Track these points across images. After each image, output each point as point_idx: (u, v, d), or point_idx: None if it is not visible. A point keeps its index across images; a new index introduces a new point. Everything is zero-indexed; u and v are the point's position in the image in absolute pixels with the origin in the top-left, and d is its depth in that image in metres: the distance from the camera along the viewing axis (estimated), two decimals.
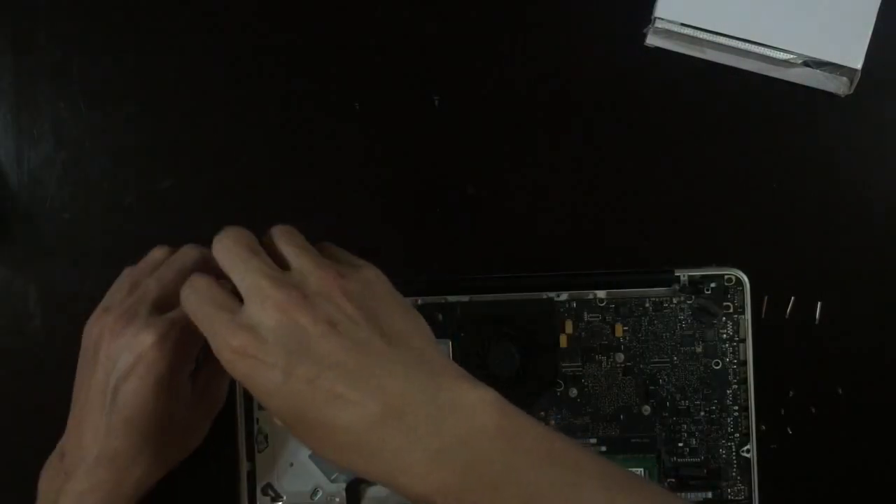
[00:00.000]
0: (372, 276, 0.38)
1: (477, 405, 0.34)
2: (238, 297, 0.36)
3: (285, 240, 0.39)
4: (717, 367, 0.48)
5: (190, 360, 0.42)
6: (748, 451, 0.48)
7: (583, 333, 0.48)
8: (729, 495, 0.48)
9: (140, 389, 0.40)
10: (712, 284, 0.48)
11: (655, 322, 0.48)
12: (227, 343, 0.35)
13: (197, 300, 0.37)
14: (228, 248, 0.37)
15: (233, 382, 0.47)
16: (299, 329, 0.34)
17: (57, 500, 0.40)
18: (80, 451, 0.41)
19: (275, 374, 0.34)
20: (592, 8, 0.49)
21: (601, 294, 0.48)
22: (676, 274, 0.48)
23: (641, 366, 0.48)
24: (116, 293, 0.43)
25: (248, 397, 0.48)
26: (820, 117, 0.49)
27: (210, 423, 0.45)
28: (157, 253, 0.45)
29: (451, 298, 0.48)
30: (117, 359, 0.40)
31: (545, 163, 0.49)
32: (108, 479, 0.40)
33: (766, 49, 0.47)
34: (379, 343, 0.35)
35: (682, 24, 0.47)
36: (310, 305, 0.35)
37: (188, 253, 0.43)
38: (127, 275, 0.45)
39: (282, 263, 0.38)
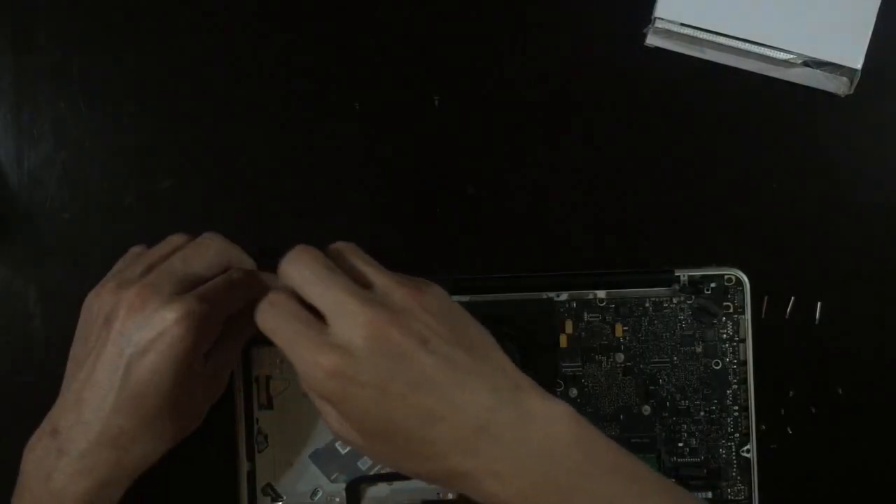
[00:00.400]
0: (441, 292, 0.39)
1: (555, 416, 0.36)
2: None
3: (359, 257, 0.39)
4: (717, 367, 0.48)
5: (208, 343, 0.41)
6: (748, 451, 0.48)
7: (583, 333, 0.48)
8: (729, 495, 0.48)
9: (157, 367, 0.39)
10: (712, 284, 0.48)
11: (655, 322, 0.48)
12: (317, 363, 0.35)
13: (279, 317, 0.36)
14: (306, 266, 0.37)
15: (232, 374, 0.47)
16: (392, 346, 0.35)
17: (49, 478, 0.39)
18: (79, 427, 0.40)
19: (369, 393, 0.34)
20: (592, 8, 0.49)
21: (601, 294, 0.48)
22: (676, 274, 0.48)
23: (641, 366, 0.48)
24: (128, 270, 0.42)
25: (248, 397, 0.48)
26: (820, 117, 0.49)
27: (208, 408, 0.44)
28: (177, 239, 0.44)
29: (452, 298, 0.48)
30: (133, 334, 0.39)
31: (545, 163, 0.49)
32: (108, 459, 0.40)
33: (766, 49, 0.47)
34: (464, 357, 0.36)
35: (682, 24, 0.47)
36: (400, 322, 0.35)
37: (213, 242, 0.43)
38: (138, 253, 0.44)
39: (356, 278, 0.37)
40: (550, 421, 0.36)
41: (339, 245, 0.40)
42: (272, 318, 0.37)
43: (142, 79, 0.50)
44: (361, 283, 0.37)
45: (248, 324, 0.39)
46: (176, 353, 0.39)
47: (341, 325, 0.35)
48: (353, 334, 0.35)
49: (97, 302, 0.41)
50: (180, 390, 0.40)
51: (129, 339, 0.39)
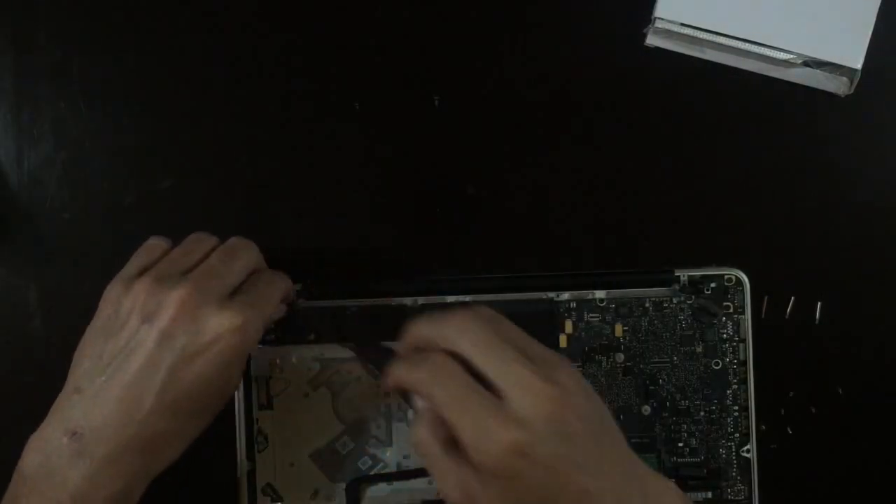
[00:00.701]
0: (577, 373, 0.38)
1: (665, 493, 0.38)
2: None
3: (514, 329, 0.38)
4: (717, 367, 0.48)
5: (251, 351, 0.41)
6: (748, 451, 0.48)
7: (583, 333, 0.48)
8: (729, 495, 0.48)
9: (205, 373, 0.38)
10: (712, 284, 0.48)
11: (655, 322, 0.48)
12: (498, 437, 0.34)
13: (456, 388, 0.35)
14: (480, 331, 0.36)
15: None
16: (566, 425, 0.34)
17: (66, 482, 0.38)
18: (107, 430, 0.38)
19: (540, 471, 0.34)
20: (592, 8, 0.49)
21: (601, 294, 0.48)
22: (676, 274, 0.48)
23: (641, 366, 0.48)
24: (162, 267, 0.41)
25: (248, 397, 0.48)
26: (820, 117, 0.49)
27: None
28: (206, 238, 0.43)
29: (451, 298, 0.48)
30: (181, 337, 0.38)
31: (545, 163, 0.49)
32: (137, 463, 0.39)
33: (766, 49, 0.47)
34: (606, 438, 0.37)
35: (682, 24, 0.47)
36: (572, 401, 0.35)
37: (248, 245, 0.43)
38: (158, 247, 0.43)
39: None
40: (664, 497, 0.38)
41: (488, 312, 0.38)
42: (445, 384, 0.35)
43: (142, 79, 0.50)
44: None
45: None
46: (227, 360, 0.39)
47: (521, 401, 0.34)
48: (536, 411, 0.34)
49: (128, 296, 0.40)
50: (220, 395, 0.40)
51: (176, 342, 0.38)
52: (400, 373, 0.37)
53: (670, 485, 0.38)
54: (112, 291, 0.41)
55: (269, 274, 0.43)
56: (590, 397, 0.37)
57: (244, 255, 0.42)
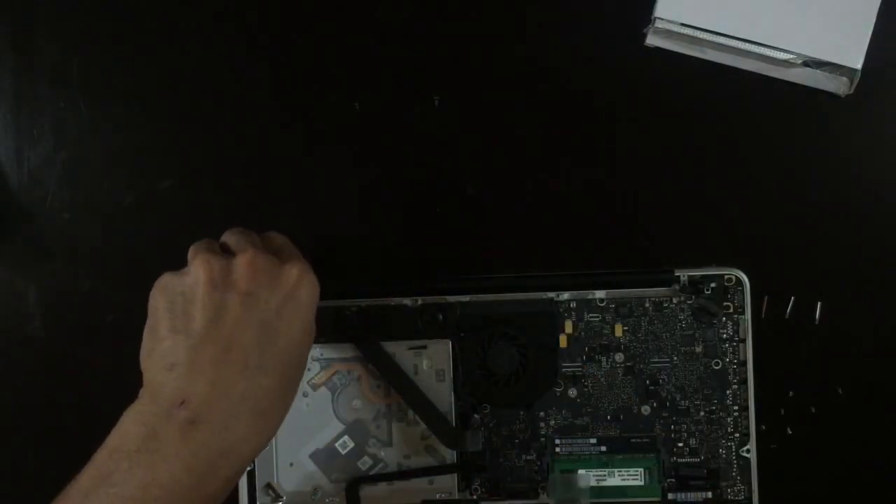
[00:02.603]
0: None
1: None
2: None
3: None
4: (717, 367, 0.48)
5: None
6: (748, 451, 0.48)
7: (583, 333, 0.48)
8: (729, 495, 0.48)
9: (293, 322, 0.39)
10: (712, 284, 0.48)
11: (655, 322, 0.48)
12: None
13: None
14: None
15: None
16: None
17: (179, 453, 0.37)
18: (215, 394, 0.37)
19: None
20: (592, 8, 0.49)
21: (601, 294, 0.48)
22: (676, 274, 0.48)
23: (641, 366, 0.48)
24: (204, 246, 0.41)
25: None
26: (820, 117, 0.49)
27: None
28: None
29: (451, 298, 0.48)
30: (261, 292, 0.39)
31: (545, 163, 0.49)
32: (251, 429, 0.38)
33: (766, 49, 0.47)
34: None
35: (682, 24, 0.47)
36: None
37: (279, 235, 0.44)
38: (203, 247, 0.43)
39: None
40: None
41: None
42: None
43: (142, 79, 0.50)
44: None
45: None
46: (308, 307, 0.40)
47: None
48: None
49: (185, 278, 0.39)
50: (307, 347, 0.40)
51: (260, 299, 0.39)
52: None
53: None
54: (163, 282, 0.40)
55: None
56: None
57: (273, 238, 0.43)
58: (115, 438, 0.37)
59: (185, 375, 0.38)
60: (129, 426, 0.38)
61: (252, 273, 0.39)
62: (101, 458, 0.37)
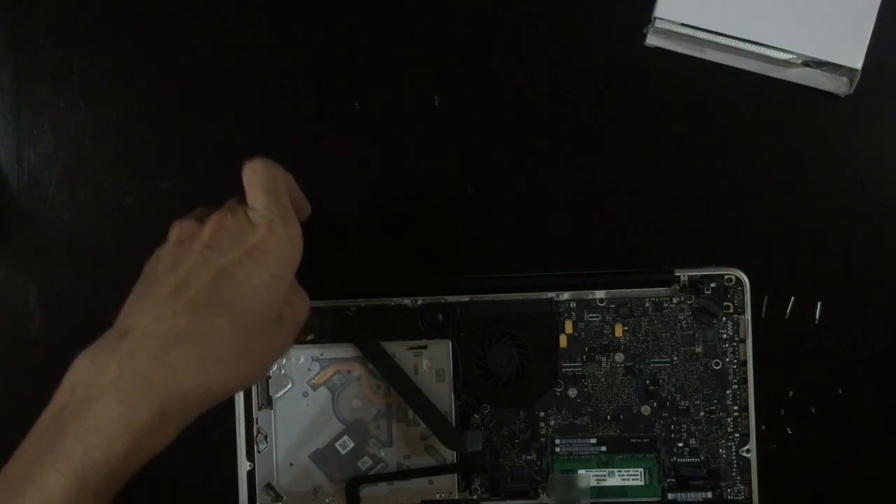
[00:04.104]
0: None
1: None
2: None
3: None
4: (717, 367, 0.48)
5: (294, 262, 0.40)
6: (748, 451, 0.48)
7: (583, 333, 0.48)
8: (729, 495, 0.48)
9: (254, 277, 0.38)
10: (712, 284, 0.48)
11: (655, 322, 0.48)
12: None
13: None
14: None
15: None
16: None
17: (114, 383, 0.36)
18: (156, 326, 0.37)
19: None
20: (592, 8, 0.49)
21: (601, 294, 0.48)
22: (676, 274, 0.48)
23: (641, 366, 0.48)
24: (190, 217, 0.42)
25: (248, 397, 0.48)
26: (820, 117, 0.49)
27: (275, 362, 0.43)
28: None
29: (451, 298, 0.48)
30: (223, 246, 0.39)
31: (545, 163, 0.49)
32: (192, 368, 0.37)
33: (766, 49, 0.47)
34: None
35: (682, 24, 0.47)
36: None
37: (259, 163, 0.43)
38: (183, 227, 0.42)
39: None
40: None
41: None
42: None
43: (142, 79, 0.50)
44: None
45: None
46: (273, 267, 0.39)
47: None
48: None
49: (164, 248, 0.40)
50: (269, 313, 0.39)
51: (222, 250, 0.38)
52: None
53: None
54: (153, 258, 0.41)
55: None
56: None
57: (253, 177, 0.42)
58: (68, 374, 0.38)
59: (131, 312, 0.38)
60: (78, 362, 0.38)
61: (217, 228, 0.39)
62: (57, 396, 0.37)
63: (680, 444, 0.48)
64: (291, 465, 0.48)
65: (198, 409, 0.38)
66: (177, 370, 0.37)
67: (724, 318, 0.48)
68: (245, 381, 0.40)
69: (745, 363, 0.48)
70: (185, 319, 0.37)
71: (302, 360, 0.48)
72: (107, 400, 0.36)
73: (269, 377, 0.48)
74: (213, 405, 0.38)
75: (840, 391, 0.49)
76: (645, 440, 0.48)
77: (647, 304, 0.48)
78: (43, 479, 0.35)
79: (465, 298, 0.48)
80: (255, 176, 0.41)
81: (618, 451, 0.48)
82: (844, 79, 0.47)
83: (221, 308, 0.38)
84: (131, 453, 0.36)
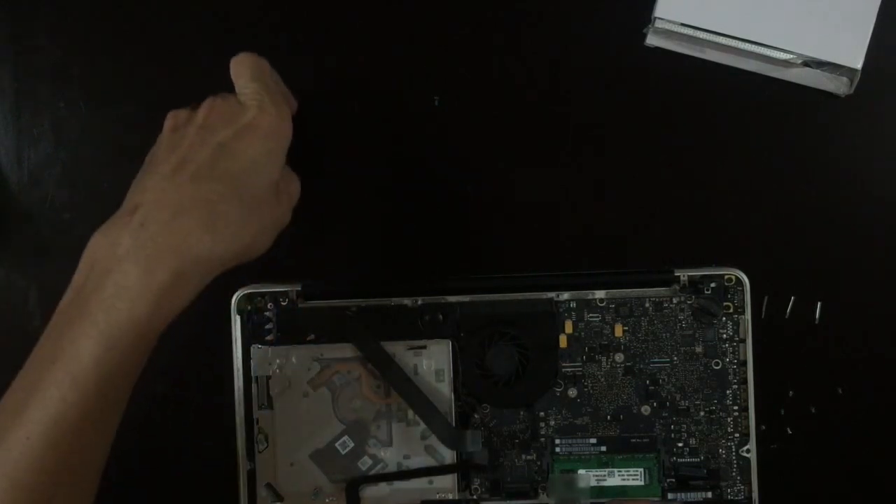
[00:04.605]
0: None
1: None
2: None
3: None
4: (717, 367, 0.48)
5: (286, 138, 0.43)
6: (748, 451, 0.48)
7: (583, 333, 0.48)
8: (729, 495, 0.48)
9: (250, 151, 0.41)
10: (712, 284, 0.48)
11: (655, 322, 0.48)
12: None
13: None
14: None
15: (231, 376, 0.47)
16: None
17: (128, 254, 0.38)
18: (164, 199, 0.39)
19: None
20: (592, 8, 0.49)
21: (601, 294, 0.48)
22: (676, 274, 0.48)
23: (641, 366, 0.48)
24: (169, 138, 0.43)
25: (248, 397, 0.48)
26: (820, 117, 0.49)
27: (275, 235, 0.43)
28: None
29: (451, 298, 0.48)
30: (218, 126, 0.41)
31: (545, 163, 0.49)
32: (198, 234, 0.39)
33: (766, 49, 0.47)
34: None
35: (682, 24, 0.47)
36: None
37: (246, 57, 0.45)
38: (177, 116, 0.44)
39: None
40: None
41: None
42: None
43: (142, 79, 0.50)
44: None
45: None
46: (267, 142, 0.41)
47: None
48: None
49: (162, 136, 0.43)
50: (268, 184, 0.41)
51: (217, 130, 0.41)
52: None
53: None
54: (150, 154, 0.43)
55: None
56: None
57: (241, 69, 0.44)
58: (86, 251, 0.40)
59: (138, 191, 0.40)
60: (94, 241, 0.40)
61: (209, 111, 0.42)
62: (78, 271, 0.40)
63: (680, 444, 0.48)
64: (291, 465, 0.48)
65: (209, 273, 0.40)
66: (187, 234, 0.38)
67: (724, 318, 0.48)
68: (249, 249, 0.41)
69: (745, 363, 0.48)
70: (190, 190, 0.39)
71: (302, 360, 0.48)
72: (125, 269, 0.38)
73: (270, 377, 0.48)
74: (223, 270, 0.40)
75: (840, 391, 0.49)
76: (645, 440, 0.48)
77: (647, 304, 0.48)
78: (73, 347, 0.37)
79: (465, 298, 0.48)
80: (243, 66, 0.43)
81: (618, 451, 0.48)
82: (844, 79, 0.47)
83: (222, 179, 0.40)
84: (153, 314, 0.38)
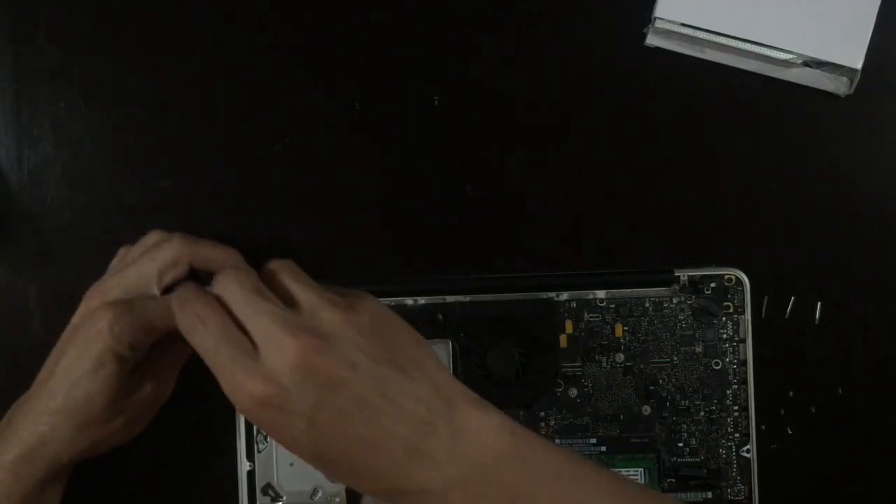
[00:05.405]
0: (375, 305, 0.38)
1: (489, 428, 0.36)
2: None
3: (287, 275, 0.38)
4: (717, 367, 0.48)
5: (132, 353, 0.41)
6: (748, 451, 0.48)
7: (583, 333, 0.48)
8: (729, 495, 0.48)
9: (71, 354, 0.41)
10: (712, 284, 0.48)
11: (655, 322, 0.48)
12: (248, 392, 0.34)
13: (212, 341, 0.35)
14: (233, 293, 0.37)
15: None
16: (320, 375, 0.34)
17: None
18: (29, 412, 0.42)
19: (299, 422, 0.34)
20: (592, 8, 0.49)
21: (601, 294, 0.48)
22: (676, 274, 0.48)
23: (641, 366, 0.48)
24: (109, 270, 0.46)
25: None
26: (820, 117, 0.49)
27: (154, 412, 0.44)
28: (153, 237, 0.45)
29: (451, 298, 0.48)
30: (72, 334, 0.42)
31: (545, 163, 0.49)
32: (28, 438, 0.41)
33: (766, 49, 0.47)
34: (396, 376, 0.36)
35: (682, 24, 0.47)
36: (328, 349, 0.35)
37: (169, 244, 0.43)
38: (121, 255, 0.46)
39: (286, 299, 0.37)
40: (484, 433, 0.36)
41: (275, 264, 0.39)
42: (206, 340, 0.36)
43: (142, 79, 0.50)
44: (292, 303, 0.37)
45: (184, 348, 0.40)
46: (87, 347, 0.41)
47: (270, 354, 0.35)
48: (281, 364, 0.34)
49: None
50: (85, 393, 0.41)
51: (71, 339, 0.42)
52: (175, 310, 0.38)
53: (499, 422, 0.36)
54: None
55: (181, 291, 0.39)
56: (365, 334, 0.36)
57: (157, 254, 0.43)
58: None
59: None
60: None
61: (81, 312, 0.43)
62: None
63: (680, 444, 0.48)
64: (291, 465, 0.48)
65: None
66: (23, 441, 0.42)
67: (724, 318, 0.48)
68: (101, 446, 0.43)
69: (745, 363, 0.48)
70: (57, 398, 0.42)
71: None
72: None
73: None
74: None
75: (840, 391, 0.49)
76: (645, 440, 0.48)
77: (647, 304, 0.48)
78: None
79: (465, 298, 0.48)
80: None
81: (618, 451, 0.48)
82: (844, 79, 0.47)
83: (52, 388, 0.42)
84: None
